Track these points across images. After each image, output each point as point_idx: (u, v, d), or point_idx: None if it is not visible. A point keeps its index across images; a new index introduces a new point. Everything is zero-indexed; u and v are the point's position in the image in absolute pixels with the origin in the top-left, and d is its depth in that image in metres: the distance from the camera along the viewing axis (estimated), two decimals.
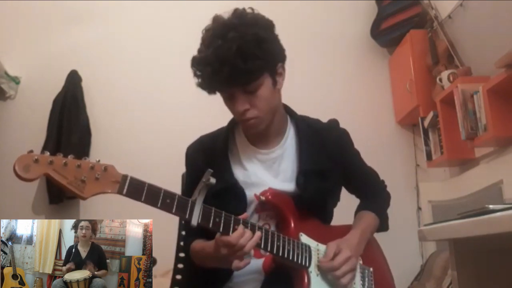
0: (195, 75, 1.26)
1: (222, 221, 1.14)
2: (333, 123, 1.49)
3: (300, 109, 1.48)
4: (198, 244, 1.31)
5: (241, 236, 1.12)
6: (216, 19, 1.25)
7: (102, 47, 3.27)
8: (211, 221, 1.12)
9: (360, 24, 3.44)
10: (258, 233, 1.16)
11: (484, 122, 2.34)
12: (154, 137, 3.14)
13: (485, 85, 2.33)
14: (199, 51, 1.25)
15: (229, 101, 1.28)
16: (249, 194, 1.31)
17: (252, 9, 1.27)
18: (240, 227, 1.14)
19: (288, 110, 1.44)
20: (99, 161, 1.03)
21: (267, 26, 1.26)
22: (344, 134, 1.48)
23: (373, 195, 1.54)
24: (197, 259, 1.32)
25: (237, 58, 1.15)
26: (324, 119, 1.50)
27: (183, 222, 1.49)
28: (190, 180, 1.38)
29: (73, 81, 3.12)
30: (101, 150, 3.04)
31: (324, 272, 1.25)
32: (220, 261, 1.19)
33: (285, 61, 1.32)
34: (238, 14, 1.24)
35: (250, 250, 1.14)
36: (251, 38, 1.18)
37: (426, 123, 2.94)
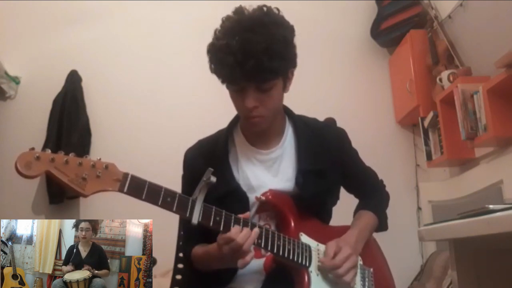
0: (213, 61, 1.24)
1: (223, 220, 1.14)
2: (331, 122, 1.48)
3: (300, 109, 1.47)
4: (200, 248, 1.30)
5: (240, 231, 1.12)
6: (240, 11, 1.24)
7: (102, 47, 3.27)
8: (212, 219, 1.12)
9: (360, 24, 3.44)
10: (255, 229, 1.16)
11: (484, 122, 2.34)
12: (154, 137, 3.14)
13: (485, 85, 2.33)
14: (218, 38, 1.22)
15: (238, 94, 1.25)
16: (250, 196, 1.31)
17: (278, 9, 1.27)
18: (237, 225, 1.14)
19: (286, 110, 1.43)
20: (100, 159, 1.03)
21: (291, 30, 1.26)
22: (342, 133, 1.48)
23: (372, 194, 1.53)
24: (201, 263, 1.31)
25: (265, 55, 1.15)
26: (324, 119, 1.50)
27: (183, 225, 1.49)
28: (189, 184, 1.35)
29: (73, 81, 3.12)
30: (101, 150, 3.03)
31: (325, 271, 1.25)
32: (224, 260, 1.18)
33: (296, 67, 1.31)
34: (267, 12, 1.24)
35: (249, 246, 1.13)
36: (280, 39, 1.19)
37: (426, 123, 2.94)
